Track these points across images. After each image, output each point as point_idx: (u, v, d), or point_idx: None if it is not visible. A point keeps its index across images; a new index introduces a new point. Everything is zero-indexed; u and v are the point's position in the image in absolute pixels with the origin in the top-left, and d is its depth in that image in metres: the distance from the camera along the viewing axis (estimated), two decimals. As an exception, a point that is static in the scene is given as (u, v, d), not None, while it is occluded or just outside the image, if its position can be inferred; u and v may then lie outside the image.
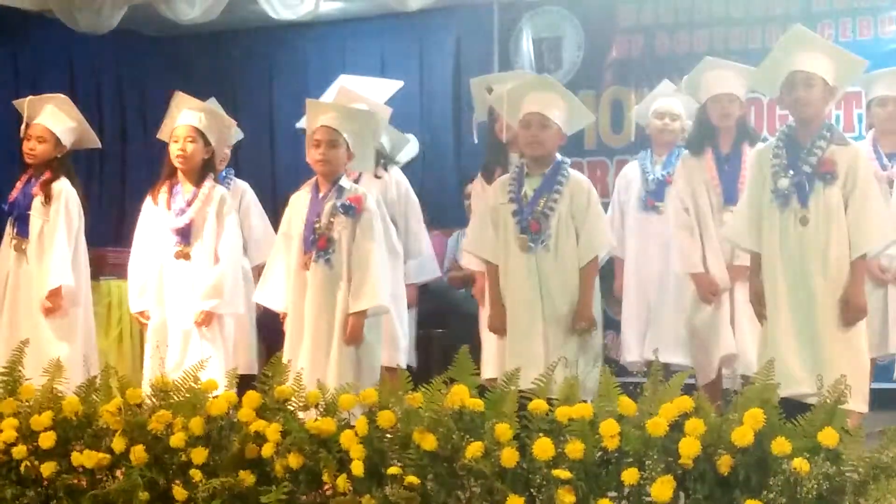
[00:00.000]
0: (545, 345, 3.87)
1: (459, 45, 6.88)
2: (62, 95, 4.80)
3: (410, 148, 5.82)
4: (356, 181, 4.66)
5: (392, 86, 5.31)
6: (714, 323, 4.40)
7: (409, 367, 4.38)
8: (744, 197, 3.95)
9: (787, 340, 3.61)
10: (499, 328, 4.05)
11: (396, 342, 4.60)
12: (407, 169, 5.60)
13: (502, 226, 4.06)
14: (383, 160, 4.90)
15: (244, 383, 3.48)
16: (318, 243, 4.03)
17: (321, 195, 4.14)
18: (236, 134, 5.31)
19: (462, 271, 5.46)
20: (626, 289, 4.93)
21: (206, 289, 4.34)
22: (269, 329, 4.68)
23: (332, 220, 4.06)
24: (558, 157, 4.06)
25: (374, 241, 4.10)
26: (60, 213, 4.52)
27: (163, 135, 4.54)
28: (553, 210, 3.92)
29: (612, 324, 5.25)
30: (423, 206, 5.26)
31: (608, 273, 4.96)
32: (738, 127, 4.44)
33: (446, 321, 5.72)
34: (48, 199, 4.51)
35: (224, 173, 5.03)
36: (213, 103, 5.00)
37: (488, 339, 4.20)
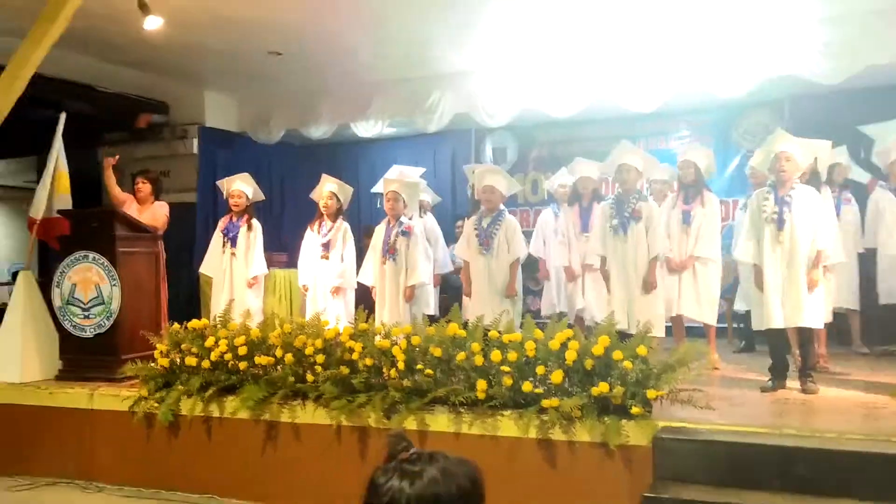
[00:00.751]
0: (492, 304, 5.85)
1: (454, 150, 9.96)
2: (245, 173, 7.05)
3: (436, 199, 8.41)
4: (410, 219, 7.06)
5: (419, 171, 7.87)
6: (575, 292, 6.73)
7: (434, 316, 6.61)
8: (595, 228, 5.99)
9: (619, 301, 5.62)
10: (468, 293, 6.15)
11: (429, 302, 6.81)
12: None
13: (472, 242, 6.17)
14: (423, 209, 7.31)
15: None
16: (390, 250, 6.25)
17: (391, 226, 6.35)
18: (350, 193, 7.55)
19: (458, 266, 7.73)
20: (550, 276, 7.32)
21: (336, 275, 6.54)
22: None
23: (397, 238, 6.26)
24: (501, 207, 6.20)
25: (419, 248, 6.25)
26: (256, 235, 6.81)
27: (314, 195, 6.85)
28: (496, 234, 6.04)
29: (532, 292, 8.43)
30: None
31: (532, 266, 7.63)
32: (594, 194, 6.87)
33: (448, 292, 7.93)
34: (249, 228, 6.79)
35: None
36: (324, 179, 7.21)
37: (466, 300, 6.19)
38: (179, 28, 6.85)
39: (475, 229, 6.22)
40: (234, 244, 6.85)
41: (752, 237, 5.26)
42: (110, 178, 6.87)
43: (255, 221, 6.92)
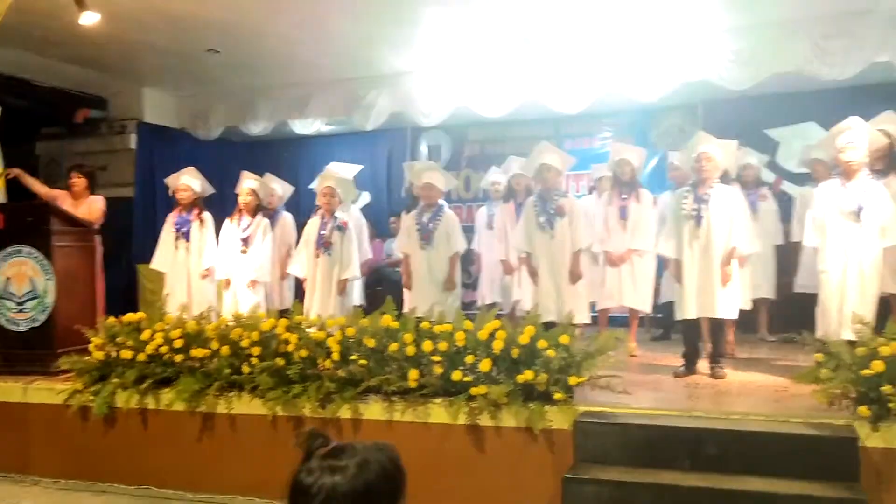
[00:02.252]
0: (431, 296, 5.87)
1: (390, 148, 9.89)
2: (192, 168, 6.86)
3: (365, 198, 8.51)
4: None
5: (357, 168, 7.84)
6: (511, 284, 6.75)
7: (363, 306, 6.57)
8: (522, 223, 5.99)
9: (548, 293, 5.67)
10: (409, 285, 6.12)
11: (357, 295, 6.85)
12: (364, 209, 8.24)
13: (413, 236, 6.14)
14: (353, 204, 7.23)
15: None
16: (324, 244, 6.19)
17: (325, 220, 6.28)
18: (289, 190, 7.61)
19: (393, 259, 7.90)
20: (485, 269, 7.40)
21: (254, 269, 6.44)
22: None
23: (332, 232, 6.20)
24: (440, 202, 6.18)
25: (353, 243, 6.21)
26: (208, 228, 6.62)
27: (237, 189, 6.72)
28: (436, 228, 6.02)
29: (469, 285, 8.24)
30: (371, 227, 8.05)
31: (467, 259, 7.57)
32: (527, 190, 6.82)
33: (383, 284, 8.06)
34: (201, 222, 6.63)
35: (278, 209, 7.22)
36: (268, 177, 7.24)
37: (406, 293, 6.19)
38: (117, 24, 6.61)
39: (416, 224, 6.19)
40: (187, 238, 6.70)
41: (673, 234, 5.37)
42: (29, 182, 6.56)
43: (206, 214, 6.79)
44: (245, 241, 6.60)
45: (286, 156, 10.08)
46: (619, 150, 6.62)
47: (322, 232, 6.30)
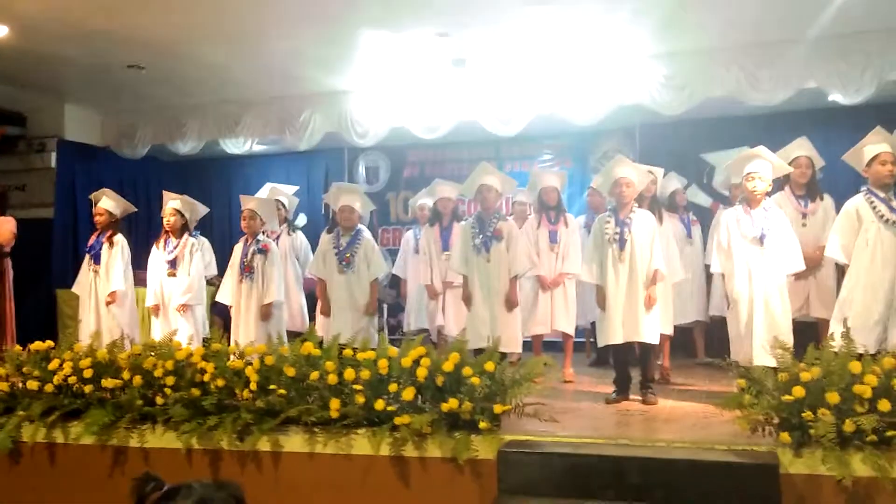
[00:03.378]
0: (351, 322, 5.86)
1: (327, 168, 9.91)
2: (109, 189, 6.73)
3: (301, 220, 8.51)
4: (279, 235, 7.00)
5: (292, 188, 7.91)
6: (436, 309, 6.83)
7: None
8: (457, 246, 5.98)
9: (481, 319, 5.65)
10: (325, 311, 6.06)
11: (300, 318, 6.95)
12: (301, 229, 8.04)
13: (329, 259, 6.09)
14: (291, 227, 7.37)
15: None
16: (245, 269, 6.15)
17: (248, 244, 6.25)
18: (203, 210, 7.24)
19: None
20: (411, 294, 7.45)
21: (182, 292, 6.37)
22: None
23: (253, 256, 6.17)
24: (359, 226, 6.17)
25: (275, 265, 6.17)
26: (117, 251, 6.52)
27: (162, 211, 6.61)
28: (356, 253, 6.01)
29: (401, 309, 8.20)
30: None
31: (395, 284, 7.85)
32: (453, 213, 6.99)
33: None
34: (111, 244, 6.51)
35: (195, 232, 7.00)
36: (186, 198, 6.95)
37: (321, 318, 6.11)
38: (32, 37, 6.48)
39: (333, 247, 6.17)
40: (96, 261, 6.61)
41: (595, 259, 5.45)
42: None
43: (118, 237, 6.66)
44: (172, 262, 6.52)
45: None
46: (541, 176, 6.72)
47: (244, 257, 6.25)
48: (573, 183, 8.89)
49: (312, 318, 6.74)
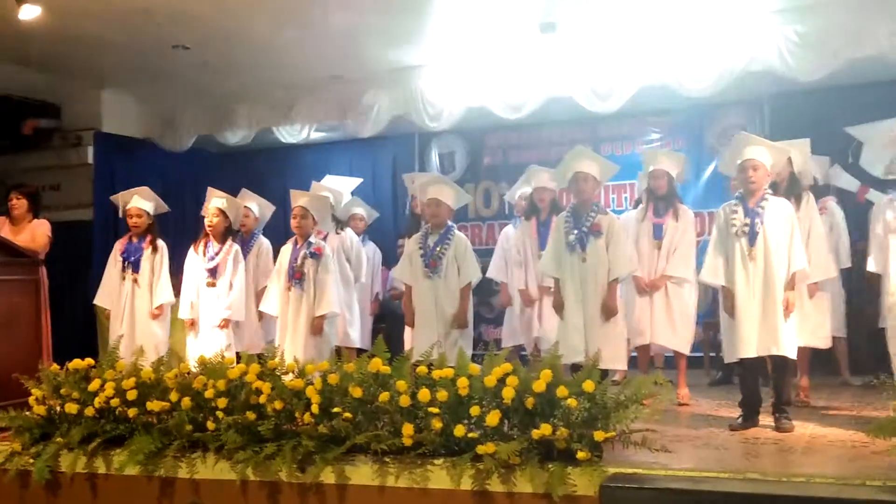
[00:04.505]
0: (436, 334, 5.90)
1: (395, 157, 10.07)
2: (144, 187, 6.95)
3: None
4: (327, 235, 7.08)
5: (355, 181, 8.11)
6: (532, 318, 6.85)
7: (361, 349, 6.72)
8: (549, 244, 6.00)
9: (576, 329, 5.63)
10: (410, 323, 6.18)
11: (350, 332, 7.05)
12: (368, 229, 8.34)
13: (416, 263, 6.17)
14: (340, 225, 7.51)
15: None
16: (295, 275, 6.28)
17: (298, 246, 6.40)
18: (269, 209, 7.79)
19: (396, 291, 8.00)
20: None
21: (225, 306, 6.57)
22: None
23: (304, 260, 6.29)
24: (449, 223, 6.22)
25: (329, 273, 6.30)
26: (162, 258, 6.79)
27: (204, 212, 6.83)
28: (444, 254, 6.07)
29: (486, 320, 9.20)
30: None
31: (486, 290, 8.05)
32: (551, 205, 6.91)
33: (387, 321, 8.13)
34: (154, 249, 6.77)
35: (256, 233, 7.38)
36: (244, 194, 7.40)
37: (408, 332, 6.26)
38: (66, 18, 6.80)
39: (419, 248, 6.24)
40: (136, 269, 6.82)
41: (720, 254, 5.37)
42: None
43: (160, 242, 6.91)
44: (212, 271, 6.69)
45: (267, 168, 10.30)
46: (652, 157, 6.64)
47: (293, 261, 6.38)
48: (686, 166, 8.69)
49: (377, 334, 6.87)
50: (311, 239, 6.46)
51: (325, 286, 6.33)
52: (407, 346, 5.97)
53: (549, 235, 6.26)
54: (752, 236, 5.24)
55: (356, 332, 7.38)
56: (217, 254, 6.75)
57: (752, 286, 5.24)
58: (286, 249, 6.53)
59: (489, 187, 9.98)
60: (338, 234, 7.47)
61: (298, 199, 6.52)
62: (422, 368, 4.54)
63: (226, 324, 6.67)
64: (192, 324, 6.74)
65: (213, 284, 6.70)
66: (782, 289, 5.20)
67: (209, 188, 6.97)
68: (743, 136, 5.60)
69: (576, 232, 5.80)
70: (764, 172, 5.32)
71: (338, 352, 6.32)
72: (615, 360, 5.66)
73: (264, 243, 7.52)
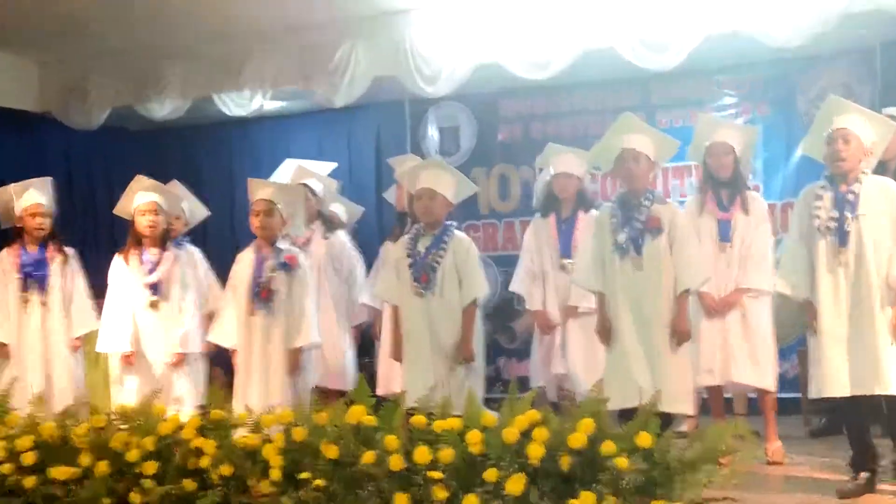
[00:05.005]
0: (433, 372, 5.86)
1: (379, 133, 10.08)
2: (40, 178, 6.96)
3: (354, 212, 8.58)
4: (308, 240, 7.14)
5: (327, 166, 8.06)
6: (551, 351, 6.82)
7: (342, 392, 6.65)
8: (586, 248, 5.99)
9: (629, 361, 5.60)
10: (397, 356, 6.20)
11: (343, 371, 7.13)
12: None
13: (403, 275, 6.13)
14: (329, 225, 7.48)
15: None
16: (261, 294, 6.26)
17: (262, 254, 6.37)
18: (202, 211, 7.82)
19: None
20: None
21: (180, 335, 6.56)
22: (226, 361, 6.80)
23: (273, 274, 6.28)
24: (446, 221, 6.17)
25: (306, 292, 6.29)
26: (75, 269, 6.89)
27: (119, 210, 6.82)
28: (439, 263, 6.01)
29: (507, 352, 9.18)
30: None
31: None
32: (577, 197, 6.90)
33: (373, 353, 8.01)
34: (64, 260, 6.89)
35: (179, 240, 7.25)
36: (174, 185, 7.36)
37: (385, 362, 6.32)
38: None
39: (408, 256, 6.21)
40: (42, 288, 6.88)
41: (798, 258, 5.45)
42: None
43: (69, 249, 6.99)
44: (154, 288, 6.73)
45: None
46: (710, 126, 6.67)
47: (257, 275, 6.35)
48: (772, 140, 8.79)
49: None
50: (281, 245, 6.45)
51: (303, 308, 6.34)
52: (393, 388, 5.94)
53: (579, 238, 6.43)
54: (841, 235, 5.27)
55: (351, 371, 7.45)
56: (158, 263, 6.77)
57: (841, 299, 5.28)
58: (245, 259, 6.54)
59: (506, 172, 9.89)
60: (325, 238, 7.49)
61: (260, 190, 6.50)
62: (418, 418, 4.51)
63: (179, 361, 6.66)
64: (128, 361, 6.70)
65: (157, 306, 6.71)
66: (884, 304, 5.21)
67: (138, 176, 6.95)
68: (832, 101, 5.65)
69: (626, 230, 5.76)
70: (859, 147, 5.33)
71: (320, 394, 6.33)
72: (680, 401, 5.64)
73: (195, 254, 7.49)
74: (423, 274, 6.13)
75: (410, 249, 6.23)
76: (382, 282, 6.49)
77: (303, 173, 7.64)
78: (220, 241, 9.62)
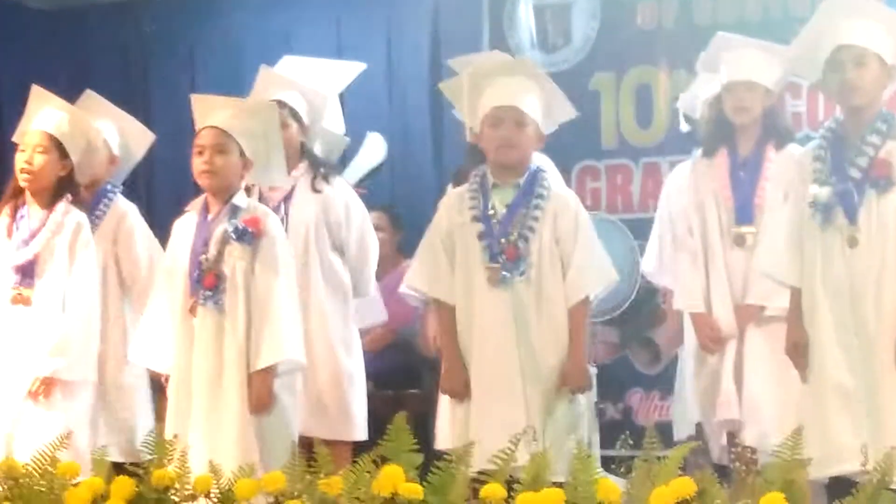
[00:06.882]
0: (525, 411, 4.25)
1: (438, 17, 7.62)
2: None
3: (375, 151, 6.90)
4: (289, 195, 5.42)
5: (350, 70, 6.06)
6: (716, 379, 5.03)
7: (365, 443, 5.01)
8: (781, 216, 4.47)
9: (835, 401, 4.06)
10: (457, 389, 4.43)
11: (348, 410, 5.32)
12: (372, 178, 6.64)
13: (462, 253, 4.51)
14: (323, 169, 5.59)
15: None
16: (204, 281, 4.55)
17: (210, 217, 4.64)
18: (143, 140, 6.02)
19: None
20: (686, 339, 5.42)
21: (50, 346, 5.01)
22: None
23: (222, 249, 4.62)
24: (533, 165, 4.52)
25: (280, 275, 4.55)
26: None
27: (17, 137, 5.31)
28: (534, 231, 4.41)
29: (641, 379, 6.59)
30: (395, 225, 6.54)
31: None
32: (763, 123, 5.12)
33: (419, 378, 6.35)
34: None
35: (108, 190, 5.69)
36: (89, 99, 5.72)
37: (444, 403, 4.64)
38: None
39: (475, 220, 4.59)
40: None
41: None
42: None
43: None
44: (23, 271, 5.21)
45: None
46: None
47: (197, 249, 4.70)
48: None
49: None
50: (240, 202, 4.80)
51: (271, 304, 4.66)
52: (449, 439, 4.43)
53: (759, 192, 4.84)
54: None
55: (360, 410, 5.59)
56: (36, 232, 5.24)
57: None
58: (184, 226, 4.88)
59: (646, 79, 7.36)
60: (316, 191, 5.68)
61: (210, 113, 4.89)
62: (494, 487, 3.33)
63: (49, 387, 5.10)
64: None
65: (26, 300, 5.19)
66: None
67: (34, 87, 5.44)
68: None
69: (833, 180, 4.18)
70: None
71: (306, 445, 4.58)
72: None
73: (128, 214, 5.82)
74: (508, 247, 4.50)
75: (478, 210, 4.61)
76: (423, 264, 4.73)
77: (279, 82, 5.72)
78: (174, 190, 7.40)
